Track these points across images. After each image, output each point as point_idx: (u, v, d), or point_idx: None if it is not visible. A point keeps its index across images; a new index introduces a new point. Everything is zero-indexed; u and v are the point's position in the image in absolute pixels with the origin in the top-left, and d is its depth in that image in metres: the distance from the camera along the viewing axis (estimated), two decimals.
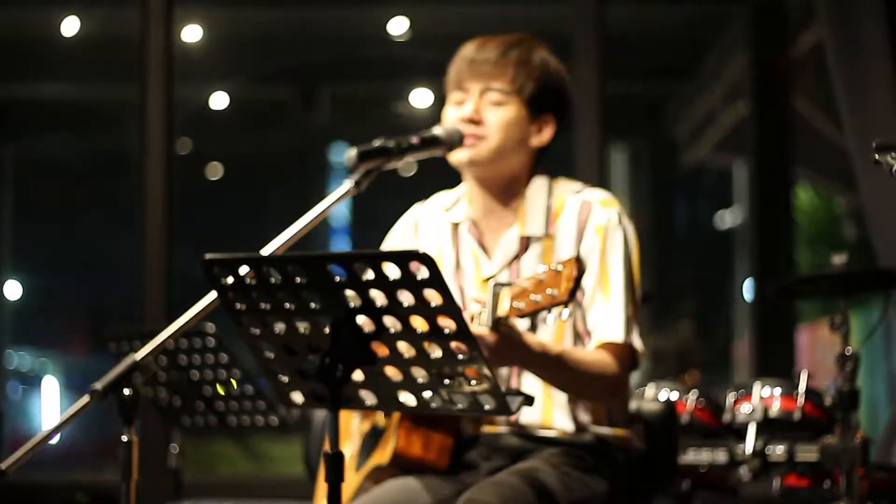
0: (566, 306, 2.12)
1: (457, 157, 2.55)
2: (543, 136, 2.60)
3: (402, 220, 2.77)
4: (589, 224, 2.52)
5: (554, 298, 2.11)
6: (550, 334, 2.50)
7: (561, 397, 2.52)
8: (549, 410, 2.53)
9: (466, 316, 2.22)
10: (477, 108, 2.55)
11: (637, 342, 2.49)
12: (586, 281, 2.48)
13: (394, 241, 2.76)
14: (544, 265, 2.19)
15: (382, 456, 2.52)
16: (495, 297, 2.19)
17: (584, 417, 2.54)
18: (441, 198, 2.73)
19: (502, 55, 2.55)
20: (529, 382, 2.51)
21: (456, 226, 2.65)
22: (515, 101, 2.55)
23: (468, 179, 2.64)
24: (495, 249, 2.58)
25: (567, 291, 2.10)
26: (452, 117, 2.57)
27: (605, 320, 2.47)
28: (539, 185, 2.60)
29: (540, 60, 2.57)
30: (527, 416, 2.53)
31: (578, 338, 2.52)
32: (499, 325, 2.20)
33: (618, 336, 2.46)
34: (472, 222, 2.63)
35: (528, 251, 2.55)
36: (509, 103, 2.55)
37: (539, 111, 2.58)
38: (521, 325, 2.35)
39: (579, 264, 2.10)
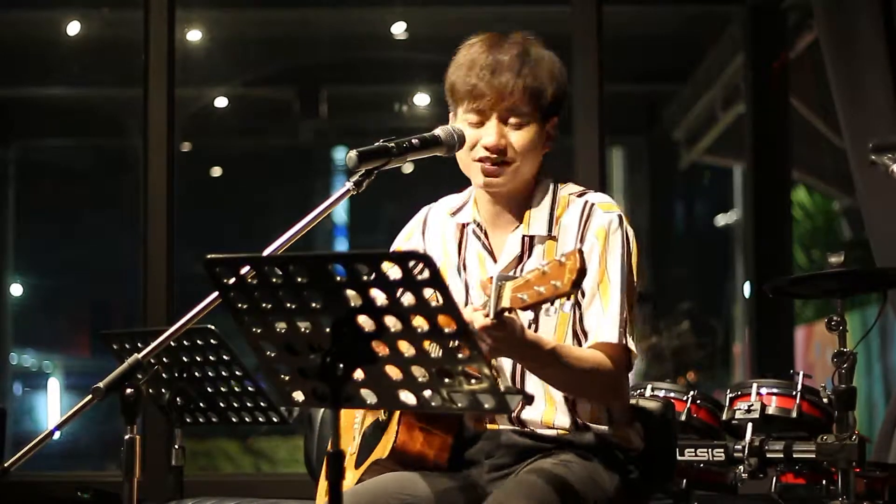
0: (569, 298, 2.15)
1: (483, 181, 2.57)
2: (552, 139, 2.62)
3: (410, 222, 2.79)
4: (590, 226, 2.55)
5: (557, 289, 2.13)
6: (552, 328, 2.52)
7: (561, 396, 2.55)
8: (551, 409, 2.55)
9: (470, 307, 2.26)
10: (500, 133, 2.54)
11: (631, 344, 2.51)
12: (585, 282, 2.48)
13: (401, 241, 2.78)
14: (547, 259, 2.21)
15: (381, 449, 2.54)
16: (498, 289, 2.21)
17: (585, 416, 2.56)
18: (448, 200, 2.76)
19: (517, 76, 2.53)
20: (532, 382, 2.54)
21: (462, 228, 2.68)
22: (534, 119, 2.56)
23: (476, 186, 2.66)
24: (500, 251, 2.61)
25: (570, 283, 2.11)
26: (475, 142, 2.56)
27: (601, 322, 2.49)
28: (544, 187, 2.63)
29: (548, 71, 2.57)
30: (528, 413, 2.56)
31: (576, 338, 2.54)
32: (501, 316, 2.22)
33: (613, 337, 2.48)
34: (477, 225, 2.65)
35: (532, 253, 2.58)
36: (529, 124, 2.56)
37: (549, 119, 2.60)
38: (524, 317, 2.37)
39: (582, 256, 2.12)
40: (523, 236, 2.58)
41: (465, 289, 2.63)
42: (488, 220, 2.64)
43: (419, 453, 2.52)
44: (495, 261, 2.60)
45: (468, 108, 2.57)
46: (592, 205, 2.57)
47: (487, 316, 2.22)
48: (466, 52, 2.59)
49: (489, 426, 2.57)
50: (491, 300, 2.22)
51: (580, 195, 2.61)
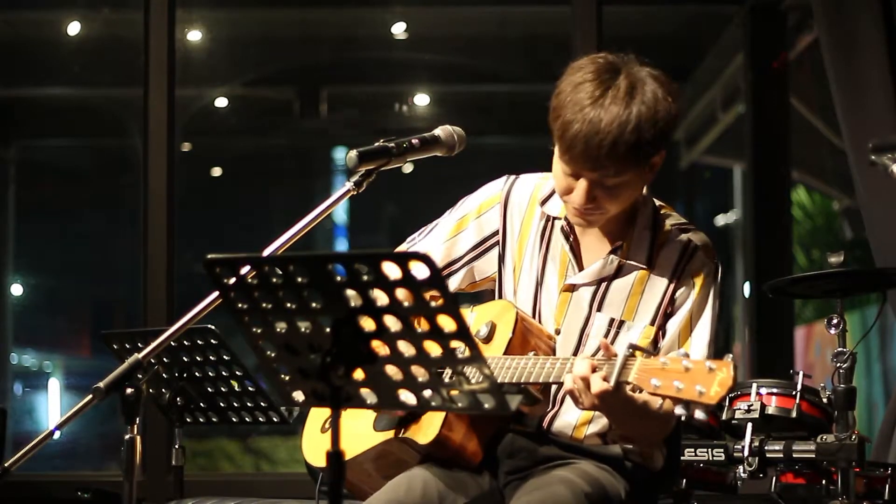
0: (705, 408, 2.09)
1: (572, 219, 2.50)
2: (654, 169, 2.49)
3: (493, 188, 2.68)
4: (689, 269, 2.49)
5: (700, 397, 2.06)
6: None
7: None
8: (584, 424, 2.54)
9: (585, 362, 2.23)
10: (589, 195, 2.42)
11: None
12: (669, 324, 2.48)
13: (478, 201, 2.68)
14: (688, 353, 2.19)
15: (422, 433, 2.50)
16: (626, 359, 2.17)
17: (617, 432, 2.54)
18: (536, 181, 2.65)
19: (612, 148, 2.34)
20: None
21: (549, 219, 2.60)
22: (630, 174, 2.42)
23: None
24: (589, 262, 2.55)
25: (717, 397, 2.05)
26: (566, 188, 2.45)
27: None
28: (645, 210, 2.55)
29: (650, 130, 2.36)
30: (559, 425, 2.55)
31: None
32: (620, 386, 2.19)
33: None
34: (569, 225, 2.57)
35: (621, 276, 2.52)
36: (623, 184, 2.42)
37: (649, 161, 2.45)
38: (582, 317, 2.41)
39: (736, 371, 2.06)
40: (620, 261, 2.52)
41: (538, 280, 2.59)
42: (580, 227, 2.56)
43: (458, 447, 2.50)
44: (580, 268, 2.55)
45: (562, 158, 2.43)
46: (696, 247, 2.51)
47: (606, 380, 2.19)
48: (570, 93, 2.40)
49: (515, 427, 2.57)
50: (616, 368, 2.18)
51: (682, 229, 2.54)
